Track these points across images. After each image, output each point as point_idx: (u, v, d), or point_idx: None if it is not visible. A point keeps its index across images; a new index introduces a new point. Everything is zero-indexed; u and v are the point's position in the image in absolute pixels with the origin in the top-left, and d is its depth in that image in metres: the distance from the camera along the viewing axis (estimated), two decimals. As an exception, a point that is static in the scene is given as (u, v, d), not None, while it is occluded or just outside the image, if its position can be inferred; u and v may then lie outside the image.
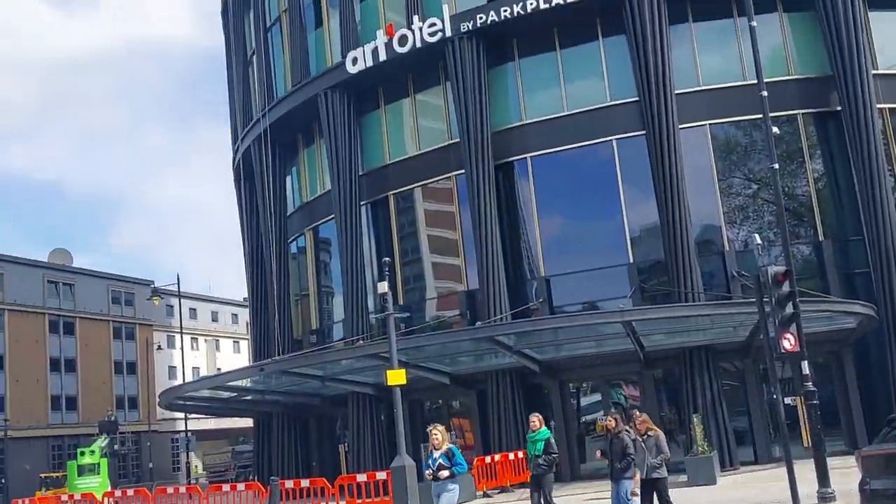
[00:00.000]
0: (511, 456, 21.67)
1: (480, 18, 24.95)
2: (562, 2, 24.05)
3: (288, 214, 31.99)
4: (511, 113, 25.79)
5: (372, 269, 27.44)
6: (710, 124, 24.02)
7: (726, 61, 24.35)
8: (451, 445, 11.27)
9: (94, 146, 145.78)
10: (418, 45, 25.77)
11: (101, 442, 43.38)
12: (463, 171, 25.19)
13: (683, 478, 18.97)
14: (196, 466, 62.06)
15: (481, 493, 20.28)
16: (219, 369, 69.02)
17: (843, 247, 23.66)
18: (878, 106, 23.27)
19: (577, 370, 24.88)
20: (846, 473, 16.39)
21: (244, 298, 53.85)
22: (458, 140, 25.52)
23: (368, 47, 26.72)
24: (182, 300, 48.19)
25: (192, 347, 72.41)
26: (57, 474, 47.03)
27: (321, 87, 28.17)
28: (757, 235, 22.26)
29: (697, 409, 21.24)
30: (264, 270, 32.25)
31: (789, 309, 13.54)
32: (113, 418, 49.79)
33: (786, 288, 13.59)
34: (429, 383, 25.09)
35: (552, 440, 13.71)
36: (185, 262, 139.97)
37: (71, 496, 29.27)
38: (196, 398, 30.59)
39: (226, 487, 23.21)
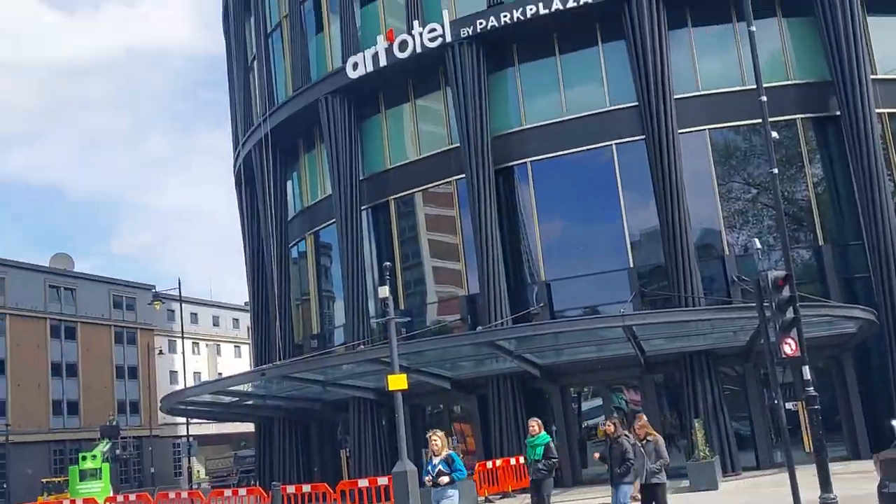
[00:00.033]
0: (512, 461, 21.67)
1: (480, 24, 25.01)
2: (561, 7, 24.12)
3: (289, 219, 32.04)
4: (511, 118, 25.84)
5: (373, 273, 27.47)
6: (709, 129, 24.05)
7: (725, 66, 24.40)
8: (450, 451, 11.28)
9: (96, 150, 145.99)
10: (419, 50, 25.83)
11: (103, 447, 43.33)
12: (463, 175, 25.24)
13: (685, 483, 18.99)
14: (198, 471, 62.06)
15: (483, 498, 20.28)
16: (220, 374, 69.01)
17: (843, 251, 23.68)
18: (878, 111, 23.30)
19: (578, 375, 24.89)
20: (848, 479, 16.45)
21: (245, 303, 53.88)
22: (458, 145, 25.57)
23: (369, 52, 26.78)
24: (183, 305, 48.27)
25: (194, 352, 72.42)
26: (58, 479, 46.98)
27: (322, 92, 28.23)
28: (757, 240, 22.25)
29: (699, 414, 21.24)
30: (265, 275, 32.30)
31: (790, 314, 13.54)
32: (114, 423, 49.74)
33: (786, 292, 13.60)
34: (430, 388, 25.10)
35: (552, 445, 13.74)
36: (186, 267, 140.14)
37: (73, 501, 29.30)
38: (197, 403, 30.60)
39: (227, 492, 23.23)
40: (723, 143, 24.47)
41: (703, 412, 21.43)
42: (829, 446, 14.81)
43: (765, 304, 13.74)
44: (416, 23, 26.06)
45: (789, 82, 24.19)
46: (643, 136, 23.56)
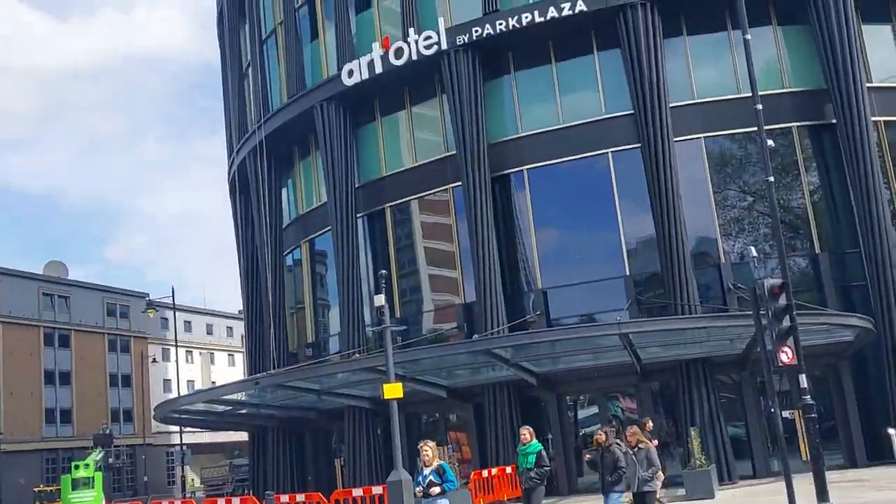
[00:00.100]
0: (508, 469, 21.57)
1: (476, 31, 25.00)
2: (557, 15, 24.14)
3: (283, 226, 31.95)
4: (507, 125, 25.83)
5: (368, 281, 27.39)
6: (704, 137, 24.06)
7: (721, 75, 24.44)
8: (441, 462, 11.20)
9: (91, 157, 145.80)
10: (414, 57, 25.81)
11: (96, 455, 43.06)
12: (459, 183, 25.20)
13: (681, 492, 18.92)
14: (192, 480, 61.75)
15: (478, 507, 20.16)
16: (213, 382, 68.71)
17: (840, 259, 23.68)
18: (873, 119, 23.35)
19: (575, 383, 24.82)
20: (845, 488, 16.40)
21: (239, 311, 53.71)
22: (454, 152, 25.53)
23: (364, 59, 26.75)
24: (177, 313, 48.04)
25: (187, 360, 72.09)
26: (51, 488, 46.69)
27: (317, 100, 28.18)
28: (753, 248, 22.26)
29: (695, 422, 21.18)
30: (260, 283, 32.18)
31: (786, 322, 13.52)
32: (108, 431, 49.48)
33: (782, 301, 13.58)
34: (425, 396, 25.00)
35: (544, 453, 13.65)
36: (181, 273, 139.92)
37: (65, 510, 29.05)
38: (191, 411, 30.45)
39: (221, 501, 23.07)
40: (718, 152, 24.49)
41: (700, 420, 21.37)
42: (825, 455, 14.80)
43: (761, 312, 13.71)
44: (411, 30, 26.05)
45: (785, 90, 24.23)
46: (639, 145, 23.56)
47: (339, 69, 27.46)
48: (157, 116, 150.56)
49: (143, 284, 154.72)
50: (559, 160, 24.78)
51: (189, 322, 74.06)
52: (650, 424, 19.40)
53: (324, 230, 29.16)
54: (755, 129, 15.66)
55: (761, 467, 22.17)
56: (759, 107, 14.78)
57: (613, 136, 24.22)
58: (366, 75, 26.66)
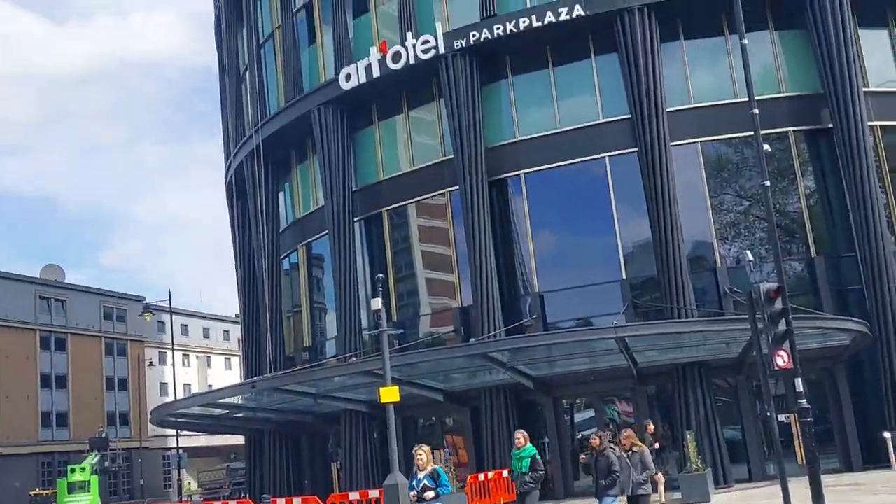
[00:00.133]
0: (504, 473, 21.56)
1: (474, 36, 25.05)
2: (554, 20, 24.19)
3: (280, 230, 31.95)
4: (504, 129, 25.87)
5: (365, 285, 27.38)
6: (701, 142, 24.11)
7: (718, 79, 24.50)
8: (436, 466, 11.20)
9: (87, 162, 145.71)
10: (412, 61, 25.84)
11: (92, 459, 42.94)
12: (457, 187, 25.23)
13: (678, 495, 18.93)
14: (189, 483, 61.61)
15: (474, 510, 20.15)
16: (210, 386, 68.64)
17: (836, 263, 23.72)
18: (870, 123, 23.43)
19: (571, 386, 24.83)
20: (841, 491, 16.43)
21: (236, 315, 53.62)
22: (451, 156, 25.56)
23: (362, 64, 26.78)
24: (174, 316, 48.07)
25: (184, 364, 72.00)
26: (47, 492, 46.55)
27: (314, 104, 28.20)
28: (749, 252, 22.30)
29: (691, 426, 21.20)
30: (256, 287, 32.18)
31: (782, 326, 13.56)
32: (104, 435, 49.32)
33: (778, 304, 13.62)
34: (422, 400, 25.00)
35: (538, 457, 13.64)
36: (176, 278, 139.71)
37: (61, 514, 28.97)
38: (187, 415, 30.41)
39: (217, 505, 23.04)
40: (715, 156, 24.54)
41: (696, 424, 21.39)
42: (821, 459, 14.80)
43: (757, 316, 13.76)
44: (409, 34, 26.09)
45: (781, 95, 24.29)
46: (636, 149, 23.60)
47: (337, 73, 27.49)
48: (153, 121, 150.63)
49: (140, 288, 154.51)
50: (556, 164, 24.83)
51: (186, 325, 73.99)
52: (651, 427, 19.42)
53: (321, 234, 29.17)
54: (752, 133, 15.70)
55: (757, 471, 22.18)
56: (756, 111, 14.84)
57: (610, 141, 24.27)
58: (363, 79, 26.70)
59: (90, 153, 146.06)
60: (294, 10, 30.69)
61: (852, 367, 23.14)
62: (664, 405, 23.93)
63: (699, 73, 24.73)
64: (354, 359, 25.20)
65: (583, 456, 12.95)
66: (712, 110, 24.07)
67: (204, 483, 56.46)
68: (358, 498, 19.65)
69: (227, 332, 79.69)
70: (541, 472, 13.48)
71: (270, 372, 28.02)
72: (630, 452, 12.64)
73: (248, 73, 33.62)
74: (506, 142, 25.62)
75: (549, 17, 24.22)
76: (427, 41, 25.63)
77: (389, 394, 19.06)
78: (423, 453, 11.11)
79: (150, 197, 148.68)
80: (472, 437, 25.16)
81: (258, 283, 31.66)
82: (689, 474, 18.86)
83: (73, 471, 40.23)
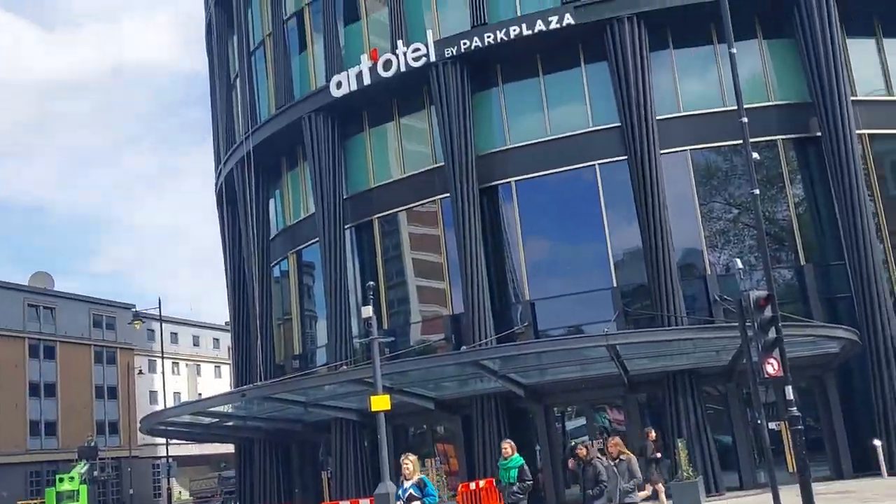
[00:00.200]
0: (496, 482, 21.52)
1: (464, 44, 25.09)
2: (544, 29, 24.26)
3: (271, 238, 31.87)
4: (495, 137, 25.90)
5: (356, 293, 27.34)
6: (690, 150, 24.19)
7: (707, 87, 24.60)
8: (422, 475, 11.16)
9: (77, 169, 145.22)
10: (402, 69, 25.86)
11: (81, 468, 42.66)
12: (448, 194, 25.23)
13: (669, 503, 18.90)
14: (179, 492, 61.28)
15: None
16: (200, 394, 68.32)
17: (825, 271, 23.81)
18: (858, 132, 23.56)
19: (562, 394, 24.82)
20: (831, 499, 16.45)
21: (226, 323, 53.44)
22: (442, 164, 25.57)
23: (353, 71, 26.80)
24: (163, 324, 47.79)
25: (174, 372, 71.69)
26: (35, 501, 46.20)
27: (305, 111, 28.19)
28: (738, 260, 22.39)
29: (682, 434, 21.19)
30: (247, 294, 32.06)
31: (772, 333, 13.58)
32: (93, 444, 49.01)
33: (768, 312, 13.65)
34: (413, 408, 24.94)
35: (526, 467, 13.57)
36: (166, 286, 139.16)
37: (49, 524, 28.75)
38: (177, 424, 30.27)
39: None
40: (704, 164, 24.63)
41: (687, 432, 21.39)
42: (812, 466, 14.83)
43: (747, 323, 13.78)
44: (400, 42, 26.12)
45: (770, 103, 24.41)
46: (626, 157, 23.67)
47: (328, 81, 27.49)
48: (143, 128, 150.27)
49: (130, 296, 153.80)
50: (547, 172, 24.86)
51: (175, 334, 73.69)
52: (653, 434, 19.36)
53: (311, 241, 29.11)
54: (741, 141, 15.76)
55: (748, 479, 22.20)
56: (745, 120, 14.89)
57: (600, 149, 24.32)
58: (354, 87, 26.70)
59: (80, 160, 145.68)
60: (285, 18, 30.68)
61: (842, 374, 23.21)
62: (655, 413, 23.94)
63: (688, 82, 24.83)
64: (345, 367, 25.13)
65: (571, 461, 12.90)
66: (701, 118, 24.17)
67: (195, 492, 56.32)
68: (348, 507, 19.57)
69: (217, 340, 79.43)
70: (529, 483, 13.41)
71: (260, 380, 27.91)
72: (617, 460, 12.62)
73: (238, 80, 33.58)
74: (496, 149, 25.65)
75: (540, 26, 24.29)
76: (418, 49, 25.66)
77: (380, 402, 19.02)
78: (409, 462, 11.07)
79: (140, 204, 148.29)
80: (464, 446, 25.11)
81: (248, 290, 31.55)
82: (681, 482, 18.84)
83: (61, 480, 39.95)
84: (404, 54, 25.82)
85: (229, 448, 44.72)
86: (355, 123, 28.39)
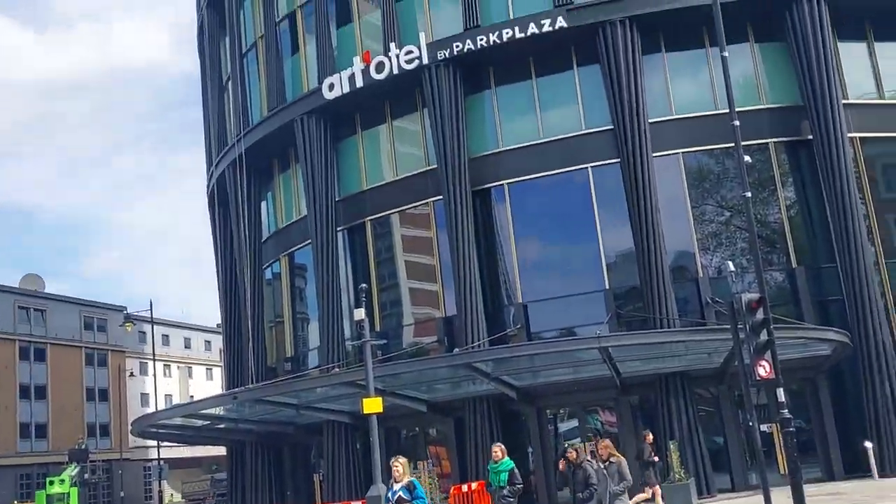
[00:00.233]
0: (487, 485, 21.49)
1: (457, 47, 25.11)
2: (537, 31, 24.29)
3: (263, 240, 31.82)
4: (488, 140, 25.91)
5: (348, 295, 27.30)
6: (683, 153, 24.26)
7: (699, 90, 24.68)
8: (411, 478, 11.14)
9: (69, 171, 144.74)
10: (395, 72, 25.86)
11: (72, 471, 42.53)
12: (440, 197, 25.23)
13: (660, 505, 18.91)
14: (171, 495, 61.07)
15: (457, 522, 20.07)
16: (191, 397, 68.08)
17: (817, 274, 23.90)
18: (849, 135, 23.67)
19: (555, 396, 24.82)
20: (823, 501, 16.48)
21: (217, 325, 53.33)
22: (435, 166, 25.57)
23: (345, 73, 26.78)
24: (155, 326, 47.68)
25: (165, 374, 71.47)
26: (25, 504, 46.02)
27: (297, 113, 28.15)
28: (730, 262, 22.43)
29: (674, 436, 21.23)
30: (238, 297, 31.98)
31: (764, 336, 13.61)
32: (84, 446, 48.85)
33: (760, 315, 13.68)
34: (405, 411, 24.92)
35: (516, 471, 13.54)
36: (158, 288, 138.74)
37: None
38: (169, 426, 30.17)
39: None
40: (696, 167, 24.69)
41: (679, 434, 21.43)
42: (803, 468, 14.87)
43: (739, 326, 13.80)
44: (392, 44, 26.11)
45: (762, 106, 24.49)
46: (618, 160, 23.71)
47: (320, 83, 27.46)
48: (134, 130, 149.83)
49: (121, 298, 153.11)
50: (539, 175, 24.90)
51: (167, 336, 73.46)
52: (650, 437, 19.36)
53: (303, 244, 29.07)
54: (733, 144, 15.82)
55: (740, 481, 22.24)
56: (737, 122, 14.93)
57: (593, 151, 24.36)
58: (346, 89, 26.68)
59: (71, 162, 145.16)
60: (277, 20, 30.65)
61: (833, 377, 23.28)
62: (647, 415, 23.97)
63: (681, 85, 24.90)
64: (337, 369, 25.09)
65: (562, 462, 12.87)
66: (694, 121, 24.23)
67: (188, 494, 56.20)
68: (340, 509, 19.54)
69: (209, 342, 79.23)
70: (519, 486, 13.37)
71: (252, 383, 27.87)
72: (607, 463, 12.63)
73: (230, 83, 33.52)
74: (489, 152, 25.67)
75: (532, 29, 24.32)
76: (410, 51, 25.66)
77: (372, 405, 19.00)
78: (399, 465, 11.05)
79: (132, 206, 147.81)
80: (456, 448, 25.09)
81: (240, 293, 31.47)
82: (672, 484, 18.87)
83: (52, 483, 39.84)
84: (397, 56, 25.82)
85: (221, 450, 44.63)
86: (348, 126, 28.36)
